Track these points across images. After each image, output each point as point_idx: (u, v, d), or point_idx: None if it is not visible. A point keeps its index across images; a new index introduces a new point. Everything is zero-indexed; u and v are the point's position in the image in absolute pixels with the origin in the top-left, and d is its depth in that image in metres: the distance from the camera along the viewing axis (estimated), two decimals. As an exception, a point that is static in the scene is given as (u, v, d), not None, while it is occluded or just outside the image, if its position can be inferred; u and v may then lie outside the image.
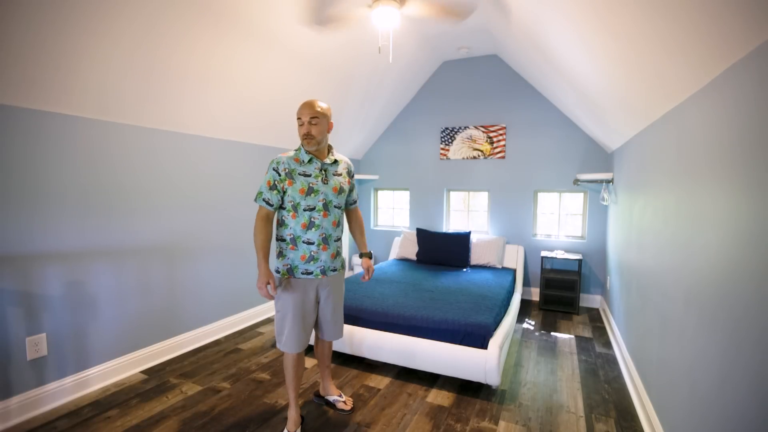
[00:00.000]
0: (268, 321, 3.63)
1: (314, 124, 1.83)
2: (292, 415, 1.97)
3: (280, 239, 1.91)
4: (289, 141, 3.90)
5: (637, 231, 2.51)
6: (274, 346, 3.06)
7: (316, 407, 2.24)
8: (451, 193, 4.92)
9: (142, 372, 2.60)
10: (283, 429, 1.99)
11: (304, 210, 1.86)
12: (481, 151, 4.55)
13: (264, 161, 3.66)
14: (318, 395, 2.29)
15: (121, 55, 2.14)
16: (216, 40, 2.46)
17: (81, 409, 2.17)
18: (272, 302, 3.76)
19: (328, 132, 1.92)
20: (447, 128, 4.71)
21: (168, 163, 2.78)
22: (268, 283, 1.82)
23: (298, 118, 1.86)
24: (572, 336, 3.34)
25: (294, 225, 1.87)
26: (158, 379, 2.53)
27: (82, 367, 2.33)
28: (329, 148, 1.99)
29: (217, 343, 3.12)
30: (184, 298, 2.95)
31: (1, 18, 1.66)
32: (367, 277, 2.15)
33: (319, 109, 1.84)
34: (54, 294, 2.19)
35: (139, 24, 2.07)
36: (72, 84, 2.08)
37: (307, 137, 1.84)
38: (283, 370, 1.99)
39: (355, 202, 2.16)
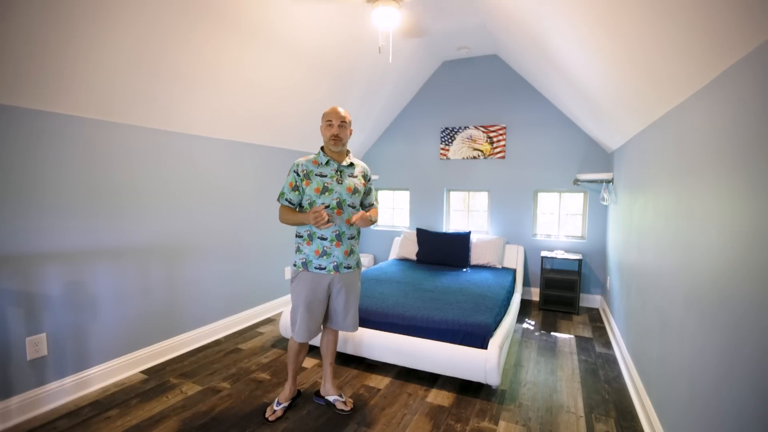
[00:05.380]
0: (268, 321, 3.63)
1: (342, 127, 2.01)
2: (287, 389, 2.20)
3: (298, 236, 2.08)
4: (288, 141, 3.90)
5: (637, 231, 2.51)
6: (274, 346, 3.06)
7: (317, 407, 2.24)
8: (451, 193, 4.92)
9: (142, 372, 2.60)
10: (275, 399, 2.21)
11: None
12: (481, 151, 4.55)
13: (265, 162, 3.67)
14: (318, 395, 2.30)
15: (120, 55, 2.14)
16: (218, 39, 2.46)
17: (81, 409, 2.17)
18: (272, 302, 3.84)
19: (349, 137, 2.08)
20: (447, 128, 4.71)
21: (168, 163, 2.78)
22: (316, 212, 1.84)
23: (328, 120, 2.00)
24: (572, 336, 3.34)
25: None
26: (158, 379, 2.53)
27: (82, 367, 2.33)
28: (347, 152, 2.13)
29: (217, 343, 3.12)
30: (184, 298, 2.95)
31: (1, 18, 1.66)
32: (352, 220, 2.02)
33: (346, 116, 2.04)
34: (54, 294, 2.18)
35: (140, 24, 2.07)
36: (73, 84, 2.08)
37: (334, 138, 2.00)
38: (287, 352, 2.20)
39: (372, 204, 2.27)
